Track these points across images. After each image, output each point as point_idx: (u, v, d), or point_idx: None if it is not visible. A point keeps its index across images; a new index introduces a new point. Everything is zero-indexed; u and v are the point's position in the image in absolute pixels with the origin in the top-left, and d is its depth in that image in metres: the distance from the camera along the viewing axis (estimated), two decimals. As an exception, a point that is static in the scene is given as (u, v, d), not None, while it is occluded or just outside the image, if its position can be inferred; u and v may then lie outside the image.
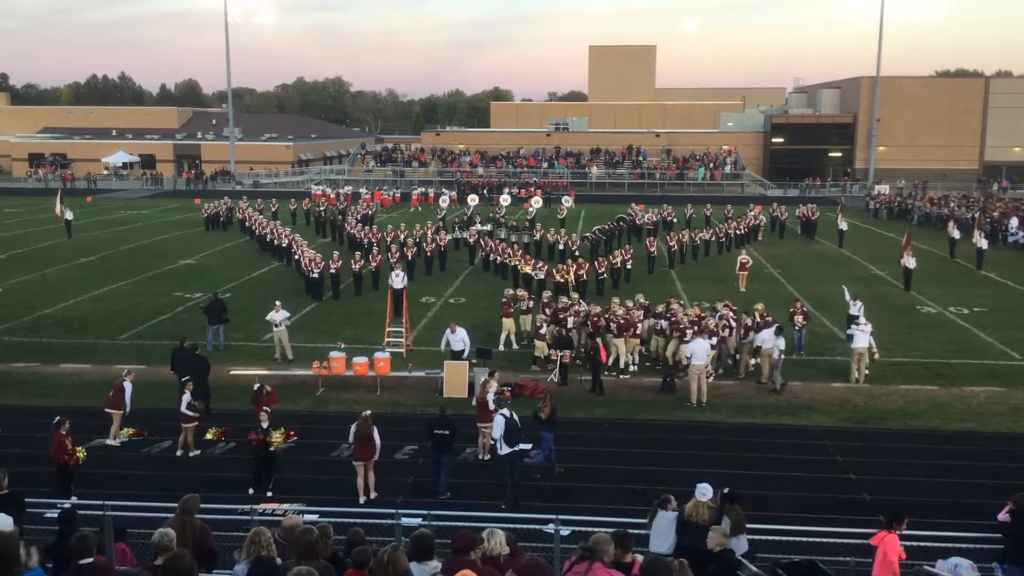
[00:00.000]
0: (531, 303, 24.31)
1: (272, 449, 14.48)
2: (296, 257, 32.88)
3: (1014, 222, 43.50)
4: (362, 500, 14.23)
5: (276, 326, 22.23)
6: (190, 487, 10.25)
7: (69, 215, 44.61)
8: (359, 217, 44.63)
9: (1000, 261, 37.21)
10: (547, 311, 22.68)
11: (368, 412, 14.94)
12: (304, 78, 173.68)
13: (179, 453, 16.42)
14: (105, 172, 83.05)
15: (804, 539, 10.55)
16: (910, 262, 31.14)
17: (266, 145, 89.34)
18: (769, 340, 20.35)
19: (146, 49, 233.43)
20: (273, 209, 49.79)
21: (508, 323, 23.66)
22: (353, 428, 14.35)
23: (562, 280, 28.14)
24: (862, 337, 20.61)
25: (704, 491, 10.52)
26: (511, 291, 25.08)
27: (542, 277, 29.15)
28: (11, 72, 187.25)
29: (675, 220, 44.71)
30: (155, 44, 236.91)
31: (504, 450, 14.12)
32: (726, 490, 10.55)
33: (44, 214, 53.23)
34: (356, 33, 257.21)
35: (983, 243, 36.02)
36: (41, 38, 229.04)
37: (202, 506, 9.27)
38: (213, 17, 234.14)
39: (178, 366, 18.68)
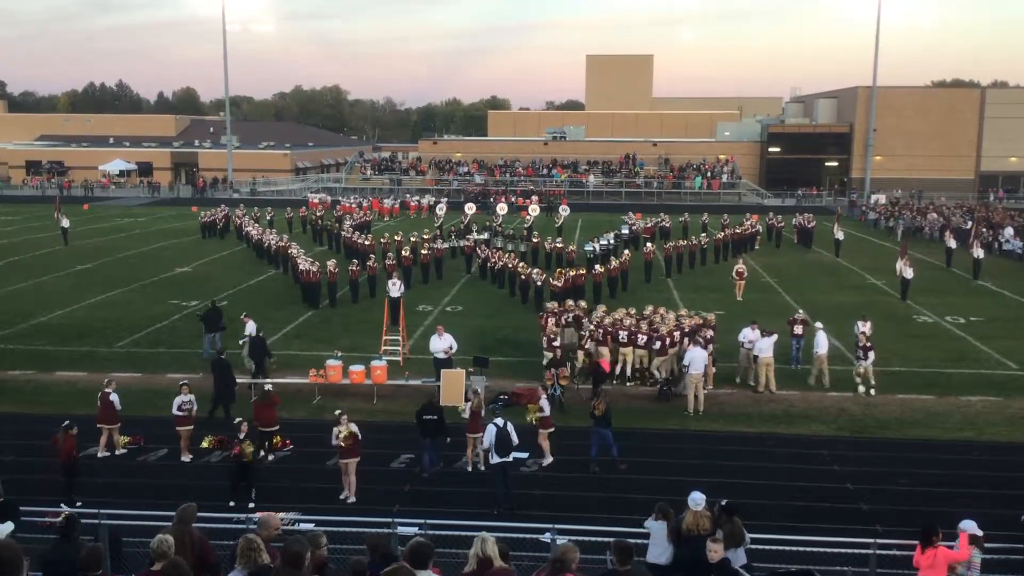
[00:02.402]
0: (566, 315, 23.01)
1: (247, 460, 14.27)
2: (298, 265, 32.71)
3: (1009, 231, 43.63)
4: (347, 497, 14.36)
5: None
6: (187, 495, 10.22)
7: (66, 222, 44.63)
8: (355, 225, 44.62)
9: (996, 271, 37.31)
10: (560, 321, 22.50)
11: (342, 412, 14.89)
12: (302, 86, 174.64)
13: (187, 459, 16.35)
14: (102, 180, 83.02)
15: (801, 548, 10.50)
16: (907, 272, 31.20)
17: (263, 153, 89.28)
18: (767, 349, 20.41)
19: (144, 57, 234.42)
20: (269, 217, 49.76)
21: None
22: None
23: (558, 283, 28.18)
24: (822, 343, 20.81)
25: (697, 500, 10.44)
26: (552, 304, 23.93)
27: (539, 284, 29.17)
28: (8, 80, 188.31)
29: (671, 228, 44.71)
30: (153, 52, 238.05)
31: (495, 459, 14.14)
32: (724, 502, 10.46)
33: (41, 221, 53.19)
34: (354, 42, 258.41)
35: (979, 253, 36.13)
36: (39, 46, 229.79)
37: (199, 514, 9.22)
38: (211, 25, 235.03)
39: (258, 349, 20.68)
